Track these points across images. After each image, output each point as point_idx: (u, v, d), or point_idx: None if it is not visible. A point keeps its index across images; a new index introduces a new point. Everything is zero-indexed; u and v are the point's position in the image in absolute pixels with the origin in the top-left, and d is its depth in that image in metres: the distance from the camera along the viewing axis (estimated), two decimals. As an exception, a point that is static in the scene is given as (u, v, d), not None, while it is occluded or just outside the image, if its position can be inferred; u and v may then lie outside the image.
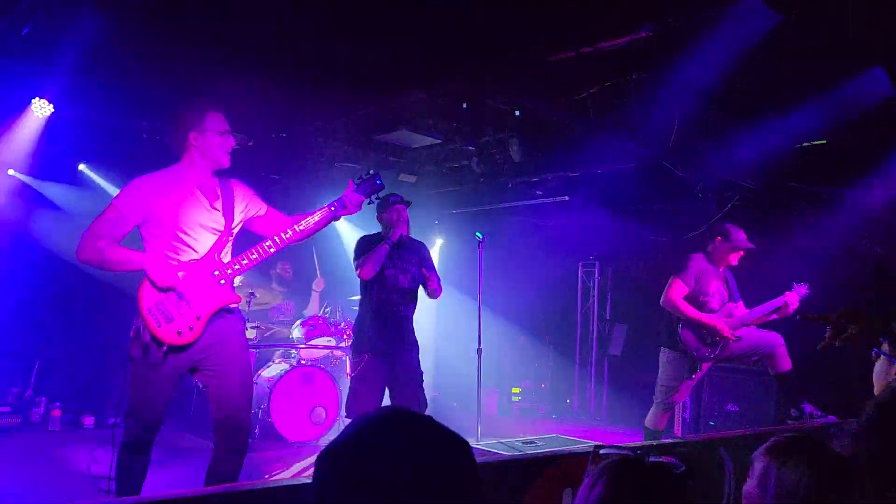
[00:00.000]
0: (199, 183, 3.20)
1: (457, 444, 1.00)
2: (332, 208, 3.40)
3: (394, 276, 4.44)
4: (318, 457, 0.99)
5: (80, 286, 6.30)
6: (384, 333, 4.44)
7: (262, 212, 3.40)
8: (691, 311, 4.78)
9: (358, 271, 4.40)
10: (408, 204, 4.56)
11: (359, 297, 4.69)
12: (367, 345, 4.45)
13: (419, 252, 4.64)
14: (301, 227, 3.32)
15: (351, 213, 3.50)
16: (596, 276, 8.67)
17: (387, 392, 4.52)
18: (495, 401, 8.26)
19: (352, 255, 4.59)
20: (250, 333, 6.24)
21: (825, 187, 6.01)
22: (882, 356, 2.65)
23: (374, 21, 4.47)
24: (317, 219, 3.35)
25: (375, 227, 4.66)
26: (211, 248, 3.14)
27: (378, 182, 3.59)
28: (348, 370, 6.07)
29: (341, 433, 1.02)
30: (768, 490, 1.49)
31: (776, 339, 4.89)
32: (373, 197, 3.65)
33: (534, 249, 8.69)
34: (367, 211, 3.91)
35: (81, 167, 6.93)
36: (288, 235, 3.27)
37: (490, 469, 2.46)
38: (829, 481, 1.43)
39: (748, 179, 6.31)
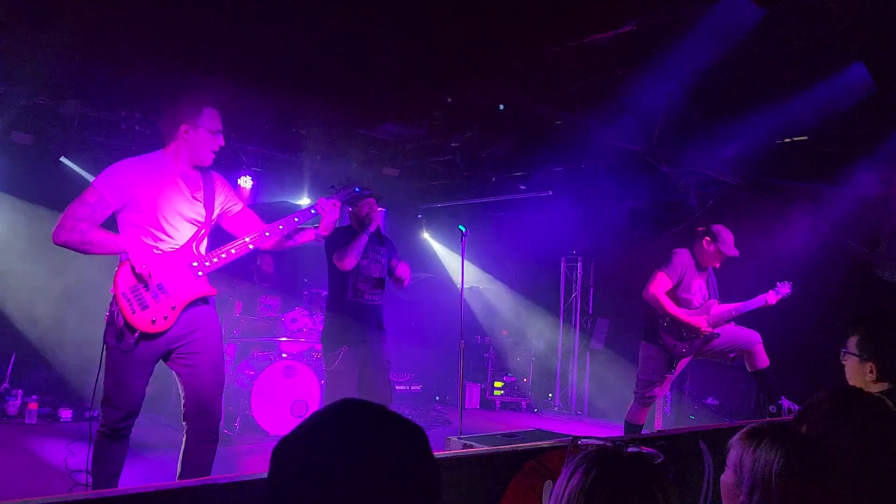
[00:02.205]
0: (181, 172, 3.16)
1: (412, 433, 0.99)
2: (313, 211, 3.39)
3: (367, 266, 4.51)
4: (274, 449, 0.98)
5: (57, 278, 6.20)
6: (361, 324, 4.48)
7: (238, 208, 3.36)
8: (672, 307, 4.79)
9: (340, 262, 4.39)
10: (378, 198, 4.59)
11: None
12: (344, 336, 4.45)
13: (388, 244, 4.74)
14: (281, 227, 3.30)
15: (327, 220, 3.43)
16: (578, 270, 8.69)
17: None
18: (477, 395, 8.26)
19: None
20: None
21: (806, 183, 6.06)
22: (849, 356, 2.62)
23: (358, 19, 4.45)
24: (296, 220, 3.33)
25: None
26: (189, 239, 3.11)
27: (357, 190, 3.61)
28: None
29: (297, 425, 1.00)
30: (743, 475, 1.48)
31: (754, 337, 4.92)
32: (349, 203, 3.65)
33: (517, 243, 8.69)
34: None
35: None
36: (267, 234, 3.26)
37: (471, 463, 2.46)
38: (800, 459, 1.43)
39: (730, 175, 6.35)
